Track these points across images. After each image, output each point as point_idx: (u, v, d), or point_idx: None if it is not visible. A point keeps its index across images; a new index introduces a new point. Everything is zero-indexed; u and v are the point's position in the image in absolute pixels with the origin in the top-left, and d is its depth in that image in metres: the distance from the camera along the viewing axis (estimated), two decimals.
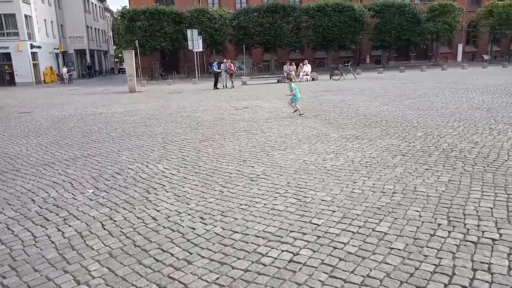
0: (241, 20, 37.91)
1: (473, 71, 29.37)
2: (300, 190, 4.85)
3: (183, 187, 5.26)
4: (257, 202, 4.52)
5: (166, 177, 5.75)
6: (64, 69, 40.87)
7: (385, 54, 45.61)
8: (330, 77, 26.82)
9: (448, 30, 42.19)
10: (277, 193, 4.79)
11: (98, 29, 58.62)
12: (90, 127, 10.99)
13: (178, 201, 4.73)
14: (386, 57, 45.89)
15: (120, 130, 10.25)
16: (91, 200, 4.94)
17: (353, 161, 6.04)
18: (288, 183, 5.15)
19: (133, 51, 25.43)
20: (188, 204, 4.61)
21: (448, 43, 48.94)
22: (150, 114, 13.30)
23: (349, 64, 29.59)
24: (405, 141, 7.15)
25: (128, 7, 38.76)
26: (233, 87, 23.29)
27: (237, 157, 6.75)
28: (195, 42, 29.99)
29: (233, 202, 4.57)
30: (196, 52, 30.73)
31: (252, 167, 6.04)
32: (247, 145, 7.65)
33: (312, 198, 4.54)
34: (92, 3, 56.04)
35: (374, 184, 4.92)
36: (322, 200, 4.45)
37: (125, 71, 29.45)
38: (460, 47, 48.62)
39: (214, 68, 23.89)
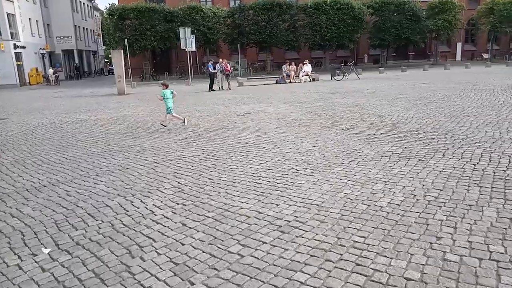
0: (235, 18, 36.57)
1: (477, 70, 28.06)
2: (362, 254, 3.19)
3: (183, 244, 3.59)
4: (302, 283, 2.85)
5: (158, 224, 4.09)
6: (50, 70, 38.78)
7: (384, 53, 44.21)
8: (332, 77, 25.33)
9: (449, 28, 41.18)
10: (327, 260, 3.12)
11: (87, 29, 56.51)
12: (68, 140, 9.28)
13: (175, 275, 3.07)
14: (385, 56, 44.48)
15: (102, 144, 8.56)
16: (43, 271, 3.26)
17: (414, 195, 4.40)
18: (338, 238, 3.48)
19: (122, 50, 23.79)
20: (192, 283, 2.94)
21: (447, 42, 47.79)
22: (139, 121, 11.62)
23: (351, 64, 28.06)
24: (467, 162, 5.52)
25: (116, 4, 36.88)
26: (229, 88, 21.72)
27: (252, 186, 5.09)
28: (188, 41, 28.42)
29: (264, 282, 2.90)
30: (189, 51, 29.12)
31: (277, 205, 4.38)
32: (261, 167, 6.00)
33: (388, 274, 2.89)
34: (80, 1, 53.97)
35: (470, 241, 3.29)
36: (405, 279, 2.81)
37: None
38: (459, 45, 47.50)
39: (210, 68, 22.23)
